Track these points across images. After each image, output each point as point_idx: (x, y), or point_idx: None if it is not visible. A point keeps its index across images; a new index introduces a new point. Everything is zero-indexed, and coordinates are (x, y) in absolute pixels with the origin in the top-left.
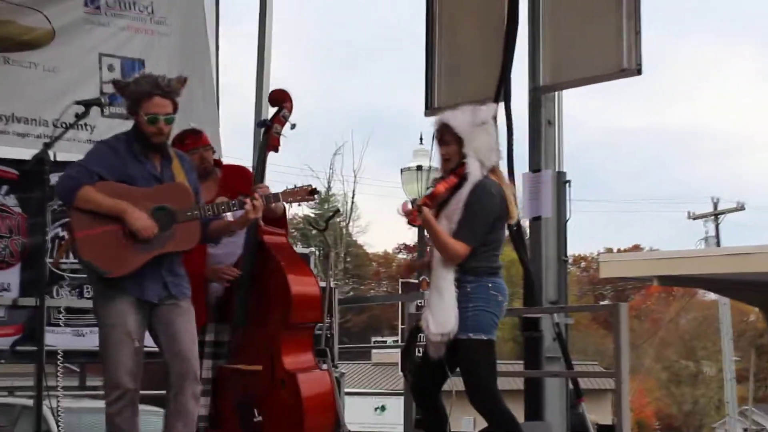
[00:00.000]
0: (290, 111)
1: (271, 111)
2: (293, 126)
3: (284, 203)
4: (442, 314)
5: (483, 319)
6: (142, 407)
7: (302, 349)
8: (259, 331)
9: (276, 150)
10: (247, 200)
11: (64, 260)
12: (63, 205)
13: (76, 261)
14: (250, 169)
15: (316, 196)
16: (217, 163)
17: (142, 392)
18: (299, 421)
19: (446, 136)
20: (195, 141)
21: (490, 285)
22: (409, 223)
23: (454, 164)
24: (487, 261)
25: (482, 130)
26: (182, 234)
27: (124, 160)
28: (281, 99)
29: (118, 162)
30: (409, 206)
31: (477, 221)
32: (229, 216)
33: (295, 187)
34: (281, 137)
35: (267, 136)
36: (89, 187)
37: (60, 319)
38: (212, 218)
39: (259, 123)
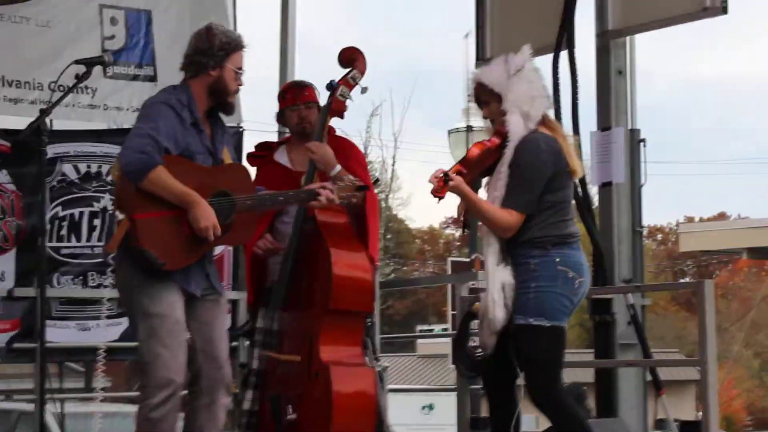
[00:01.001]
0: (362, 73)
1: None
2: (364, 90)
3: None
4: (485, 300)
5: (547, 302)
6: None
7: (346, 340)
8: (301, 317)
9: (341, 116)
10: (322, 192)
11: (65, 244)
12: (132, 180)
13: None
14: (360, 148)
15: (361, 193)
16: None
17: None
18: (326, 421)
19: (483, 96)
20: (295, 96)
21: (557, 259)
22: (434, 194)
23: (500, 123)
24: (554, 228)
25: (519, 79)
26: (240, 226)
27: (188, 130)
28: (352, 59)
29: (184, 133)
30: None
31: (526, 182)
32: None
33: (345, 181)
34: (348, 101)
35: (331, 99)
36: (161, 167)
37: (62, 311)
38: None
39: (327, 85)
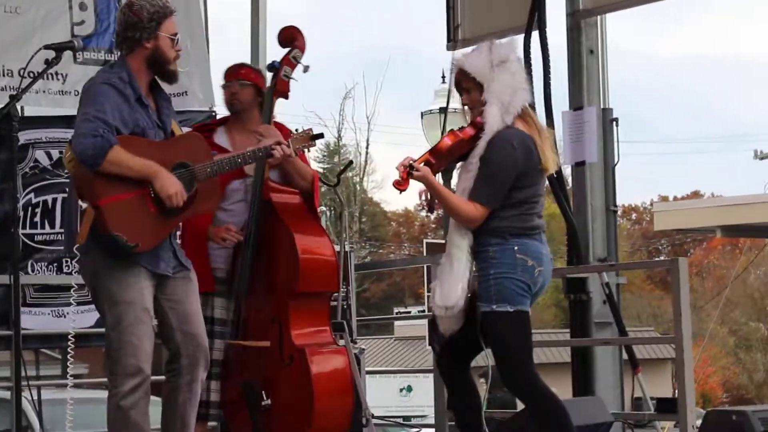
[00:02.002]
0: (303, 51)
1: (281, 53)
2: (306, 69)
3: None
4: (447, 285)
5: (507, 288)
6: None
7: (315, 321)
8: (266, 303)
9: (285, 96)
10: (276, 147)
11: (38, 231)
12: (90, 165)
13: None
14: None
15: (316, 142)
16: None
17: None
18: (308, 404)
19: (464, 82)
20: (230, 73)
21: (516, 248)
22: (396, 186)
23: (479, 113)
24: (516, 221)
25: (503, 70)
26: (204, 194)
27: (133, 107)
28: (292, 38)
29: (130, 111)
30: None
31: (493, 179)
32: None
33: (298, 132)
34: (291, 81)
35: (275, 80)
36: (118, 146)
37: (37, 298)
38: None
39: (269, 66)
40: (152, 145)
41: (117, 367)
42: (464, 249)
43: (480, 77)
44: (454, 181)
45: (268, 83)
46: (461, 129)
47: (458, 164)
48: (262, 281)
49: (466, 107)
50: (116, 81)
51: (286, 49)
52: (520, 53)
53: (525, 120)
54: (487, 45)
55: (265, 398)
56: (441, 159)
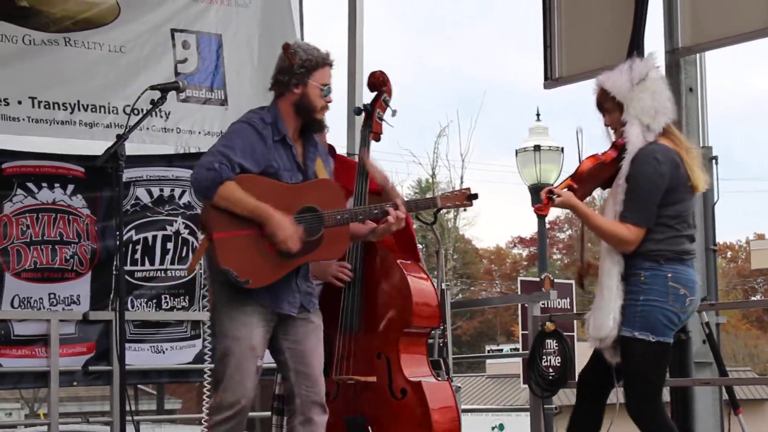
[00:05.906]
0: (390, 95)
1: (367, 96)
2: (395, 112)
3: (442, 208)
4: (599, 316)
5: (653, 317)
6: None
7: (420, 357)
8: (370, 338)
9: (378, 138)
10: (391, 209)
11: (138, 267)
12: (201, 198)
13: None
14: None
15: (473, 202)
16: (329, 149)
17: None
18: None
19: (605, 103)
20: None
21: (669, 275)
22: (537, 212)
23: (620, 134)
24: (669, 244)
25: (642, 89)
26: (330, 240)
27: (270, 148)
28: (382, 82)
29: (264, 151)
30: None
31: (642, 196)
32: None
33: (453, 190)
34: (383, 124)
35: (370, 123)
36: (232, 183)
37: (137, 334)
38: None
39: (357, 110)
40: (281, 187)
41: (216, 398)
42: (614, 276)
43: (620, 97)
44: None
45: (361, 126)
46: (604, 152)
47: (605, 191)
48: (367, 317)
49: (609, 128)
50: (256, 121)
51: (375, 93)
52: (662, 69)
53: (669, 138)
54: (628, 63)
55: None
56: (583, 184)
